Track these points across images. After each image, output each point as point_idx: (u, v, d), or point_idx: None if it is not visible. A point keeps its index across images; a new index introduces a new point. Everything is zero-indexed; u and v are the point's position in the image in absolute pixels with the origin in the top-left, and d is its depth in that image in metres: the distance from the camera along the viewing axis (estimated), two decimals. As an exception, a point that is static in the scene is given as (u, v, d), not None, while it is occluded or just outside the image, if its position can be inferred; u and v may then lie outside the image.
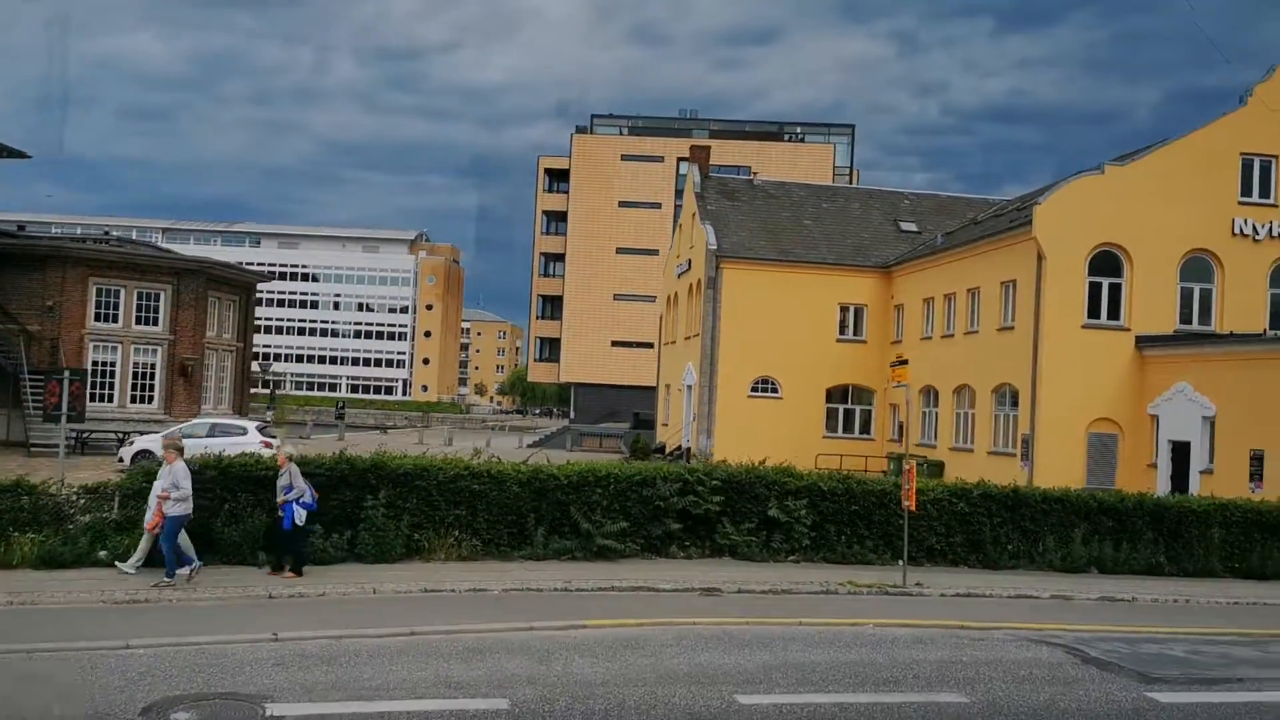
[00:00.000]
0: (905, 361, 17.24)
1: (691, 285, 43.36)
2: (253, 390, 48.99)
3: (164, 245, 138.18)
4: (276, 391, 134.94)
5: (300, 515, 14.29)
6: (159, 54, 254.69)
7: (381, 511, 15.83)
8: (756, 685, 10.21)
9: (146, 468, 15.59)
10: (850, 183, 72.02)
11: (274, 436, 30.34)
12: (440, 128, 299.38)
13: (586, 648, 11.43)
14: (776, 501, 18.17)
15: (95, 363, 35.99)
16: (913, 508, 16.72)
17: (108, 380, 36.23)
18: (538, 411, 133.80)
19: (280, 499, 14.44)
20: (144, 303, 36.66)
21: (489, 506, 16.66)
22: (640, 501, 17.55)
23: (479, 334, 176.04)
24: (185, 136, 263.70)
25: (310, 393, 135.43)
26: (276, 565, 14.61)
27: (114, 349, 36.29)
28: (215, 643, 10.85)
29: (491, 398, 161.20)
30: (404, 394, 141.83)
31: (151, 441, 28.72)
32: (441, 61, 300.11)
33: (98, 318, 36.18)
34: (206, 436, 28.50)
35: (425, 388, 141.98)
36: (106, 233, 49.71)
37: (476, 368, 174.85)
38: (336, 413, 58.01)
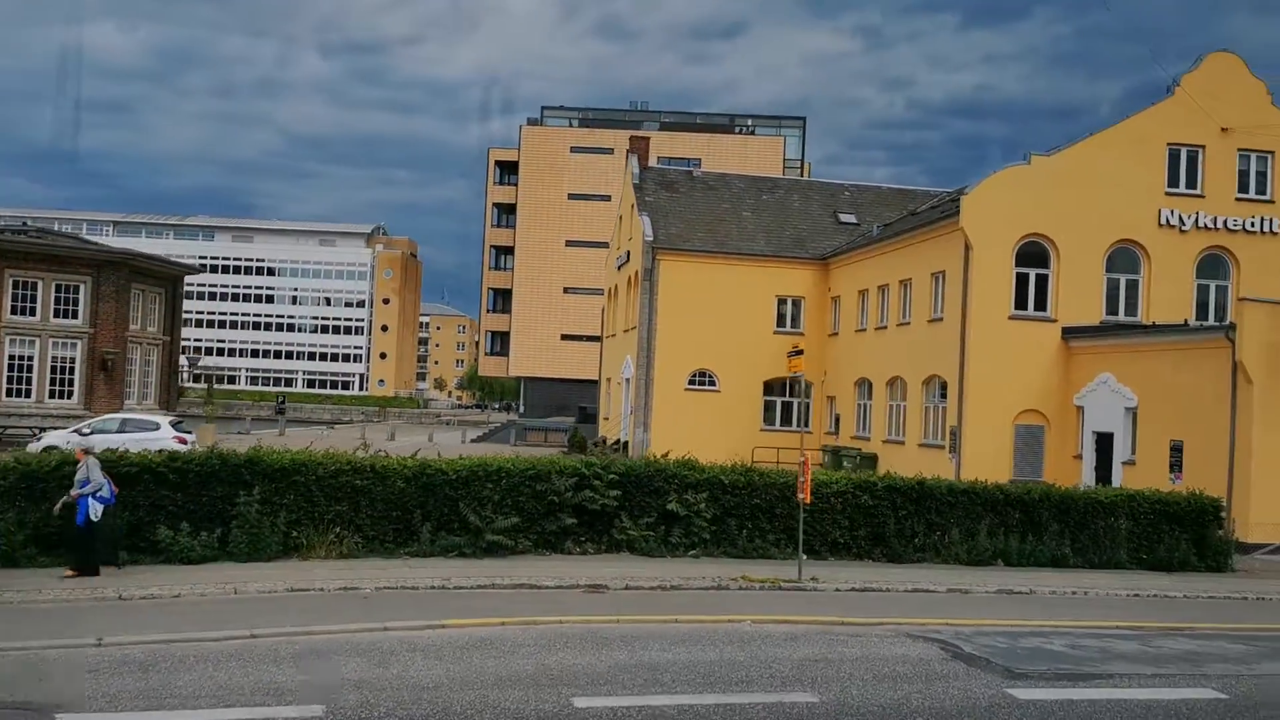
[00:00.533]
0: (800, 351, 16.90)
1: (630, 277, 42.93)
2: (188, 385, 47.97)
3: (116, 238, 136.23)
4: (215, 385, 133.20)
5: (95, 510, 13.72)
6: (120, 46, 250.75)
7: (255, 508, 15.28)
8: (600, 687, 9.79)
9: None
10: (801, 175, 71.86)
11: (189, 432, 29.59)
12: (406, 121, 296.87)
13: (436, 649, 10.96)
14: (676, 495, 17.80)
15: (12, 357, 35.02)
16: (808, 500, 16.40)
17: (25, 375, 35.26)
18: (497, 406, 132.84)
19: (74, 493, 13.85)
20: (63, 295, 35.70)
21: (373, 503, 16.18)
22: (534, 496, 17.13)
23: (438, 328, 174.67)
24: (147, 130, 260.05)
25: (265, 388, 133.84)
26: (79, 566, 13.97)
27: (31, 342, 35.32)
28: (33, 648, 10.28)
29: (450, 392, 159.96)
30: (361, 389, 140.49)
31: (59, 437, 27.92)
32: (406, 55, 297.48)
33: (14, 310, 35.20)
34: (117, 432, 27.71)
35: (382, 382, 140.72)
36: (24, 224, 48.48)
37: (436, 362, 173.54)
38: (277, 407, 57.02)
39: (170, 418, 30.51)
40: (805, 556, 18.20)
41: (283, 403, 57.45)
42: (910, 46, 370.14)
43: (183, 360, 41.60)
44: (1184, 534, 19.38)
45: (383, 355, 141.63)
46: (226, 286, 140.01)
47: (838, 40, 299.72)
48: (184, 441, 27.78)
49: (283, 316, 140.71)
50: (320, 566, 15.16)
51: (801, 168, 75.29)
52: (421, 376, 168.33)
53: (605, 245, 66.89)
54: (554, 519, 17.22)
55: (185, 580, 13.67)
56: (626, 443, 40.58)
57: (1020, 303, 29.56)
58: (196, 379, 58.66)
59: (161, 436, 27.52)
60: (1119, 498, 19.34)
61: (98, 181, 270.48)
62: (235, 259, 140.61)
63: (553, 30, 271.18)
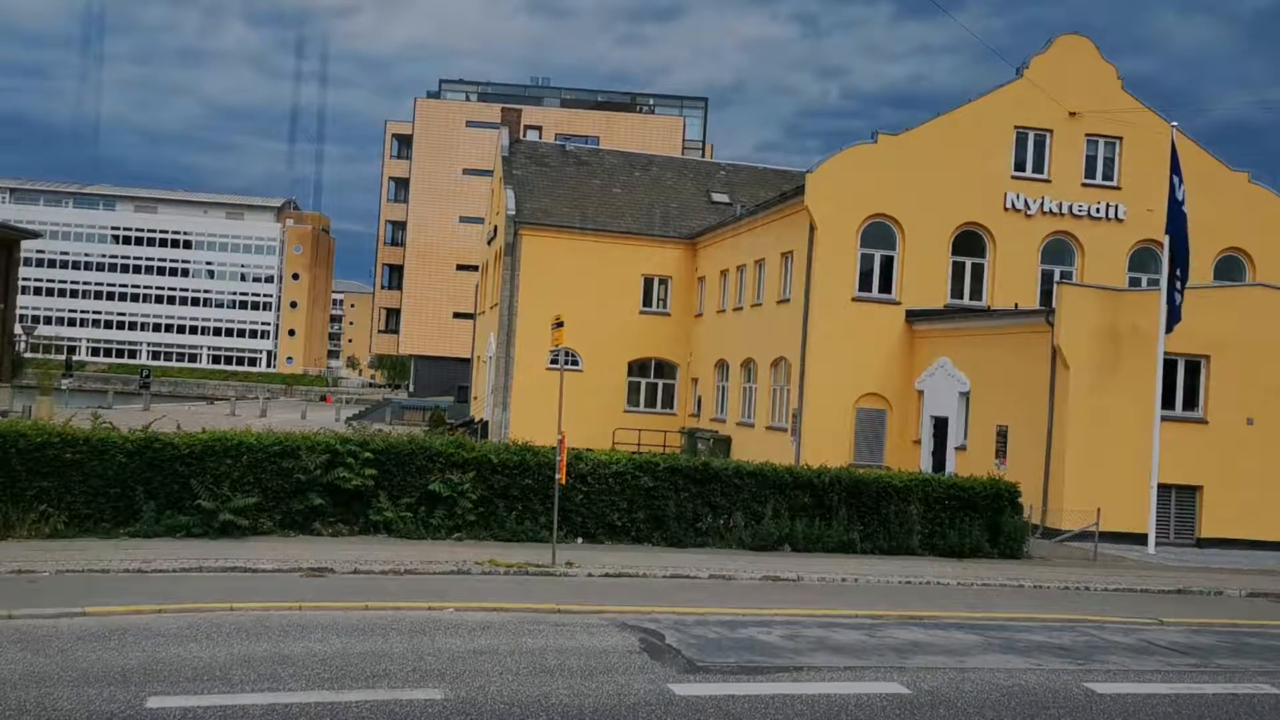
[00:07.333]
0: (561, 324, 15.98)
1: (496, 252, 41.79)
2: (36, 355, 45.67)
3: (13, 205, 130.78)
4: (114, 360, 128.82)
5: None
6: (36, 8, 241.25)
7: (-62, 483, 13.97)
8: (198, 684, 8.74)
9: None
10: (703, 156, 71.10)
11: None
12: (335, 95, 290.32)
13: (46, 639, 9.81)
14: (440, 475, 16.81)
15: None
16: (562, 480, 15.54)
17: None
18: (410, 386, 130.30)
19: None
20: (-127, 257, 33.48)
21: (87, 478, 14.95)
22: (279, 474, 16.04)
23: (353, 306, 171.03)
24: (64, 97, 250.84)
25: (167, 363, 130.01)
26: None
27: None
28: None
29: (361, 371, 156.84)
30: (269, 366, 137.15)
31: None
32: (337, 27, 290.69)
33: None
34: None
35: (291, 360, 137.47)
36: None
37: (350, 340, 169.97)
38: (140, 382, 54.84)
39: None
40: (580, 540, 17.48)
41: (147, 377, 55.23)
42: (845, 36, 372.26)
43: (18, 329, 39.45)
44: (978, 520, 18.90)
45: (291, 332, 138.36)
46: (129, 258, 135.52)
47: (774, 27, 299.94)
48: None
49: (188, 290, 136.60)
50: (12, 547, 13.89)
51: (703, 149, 74.55)
52: (335, 354, 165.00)
53: (498, 222, 65.62)
54: (302, 498, 16.14)
55: None
56: (486, 422, 39.55)
57: (865, 284, 29.10)
58: (35, 349, 56.24)
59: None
60: (912, 482, 18.80)
61: (6, 148, 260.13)
62: (139, 230, 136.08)
63: (486, 7, 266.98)
